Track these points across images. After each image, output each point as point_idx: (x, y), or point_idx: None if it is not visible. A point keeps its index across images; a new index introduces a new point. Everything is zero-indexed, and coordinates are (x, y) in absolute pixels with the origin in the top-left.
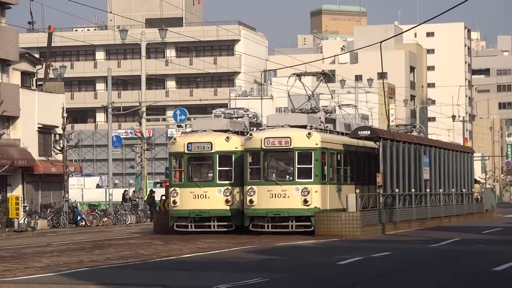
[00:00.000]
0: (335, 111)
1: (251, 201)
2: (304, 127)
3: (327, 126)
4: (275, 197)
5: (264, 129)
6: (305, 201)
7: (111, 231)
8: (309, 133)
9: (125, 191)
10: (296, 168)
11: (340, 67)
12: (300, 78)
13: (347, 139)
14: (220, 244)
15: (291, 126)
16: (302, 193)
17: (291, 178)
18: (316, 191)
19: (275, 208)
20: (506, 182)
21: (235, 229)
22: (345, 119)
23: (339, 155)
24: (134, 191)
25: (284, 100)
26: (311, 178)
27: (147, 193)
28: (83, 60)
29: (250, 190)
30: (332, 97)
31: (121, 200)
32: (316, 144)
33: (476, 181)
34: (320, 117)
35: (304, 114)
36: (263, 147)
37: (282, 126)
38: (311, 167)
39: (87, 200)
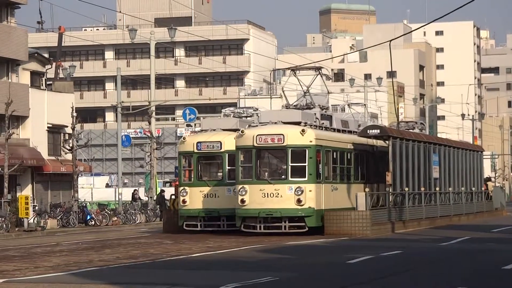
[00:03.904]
0: (344, 110)
1: (242, 201)
2: (298, 123)
3: (323, 123)
4: (268, 196)
5: (257, 125)
6: (299, 201)
7: (121, 231)
8: (303, 130)
9: (134, 190)
10: (290, 167)
11: (349, 66)
12: (295, 73)
13: (344, 136)
14: (230, 243)
15: (285, 123)
16: (296, 193)
17: (284, 177)
18: (310, 190)
19: (267, 208)
20: None
21: None
22: (354, 118)
23: (335, 153)
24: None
25: (293, 99)
26: (305, 177)
27: (157, 192)
28: (92, 59)
29: (241, 190)
30: (328, 92)
31: (130, 199)
32: (310, 141)
33: (489, 179)
34: (315, 114)
35: (298, 110)
36: (255, 144)
37: (275, 123)
38: (305, 165)
39: (97, 200)
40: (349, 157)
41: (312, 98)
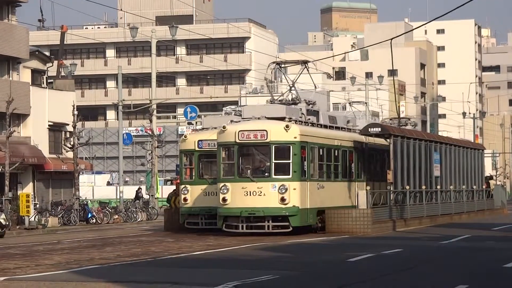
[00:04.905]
0: (345, 108)
1: (224, 200)
2: (283, 119)
3: (309, 118)
4: (250, 195)
5: (239, 121)
6: (283, 200)
7: (122, 229)
8: (287, 126)
9: (139, 188)
10: (273, 164)
11: (350, 64)
12: (280, 67)
13: (332, 132)
14: (230, 241)
15: (268, 118)
16: (279, 191)
17: (267, 175)
18: (294, 189)
19: (250, 207)
20: None
21: None
22: (355, 116)
23: (321, 150)
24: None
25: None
26: (289, 175)
27: (157, 191)
28: (93, 57)
29: (223, 188)
30: (315, 86)
31: (134, 197)
32: (295, 137)
33: (491, 178)
34: (301, 109)
35: (283, 105)
36: (237, 140)
37: (259, 118)
38: (289, 162)
39: (98, 198)
40: (336, 154)
41: (298, 93)
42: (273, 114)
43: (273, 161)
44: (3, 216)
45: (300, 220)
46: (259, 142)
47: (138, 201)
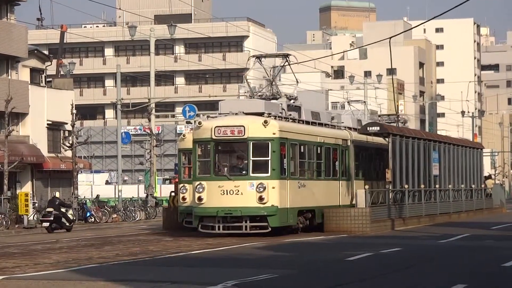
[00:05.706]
0: (344, 107)
1: (199, 199)
2: (261, 114)
3: (290, 114)
4: (227, 194)
5: (216, 116)
6: (261, 199)
7: (121, 228)
8: (265, 121)
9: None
10: (251, 161)
11: (349, 63)
12: (260, 61)
13: (314, 129)
14: (229, 240)
15: (246, 114)
16: (257, 190)
17: (244, 173)
18: (273, 187)
19: (226, 206)
20: None
21: None
22: (354, 115)
23: (302, 146)
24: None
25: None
26: (267, 173)
27: (155, 190)
28: (92, 56)
29: (198, 186)
30: (297, 82)
31: (145, 196)
32: (274, 133)
33: (490, 177)
34: (281, 104)
35: (261, 100)
36: (214, 137)
37: (236, 114)
38: (268, 160)
39: None
40: (319, 151)
41: (278, 88)
42: (251, 109)
43: (251, 158)
44: (70, 211)
45: (279, 220)
46: (236, 139)
47: (149, 199)
